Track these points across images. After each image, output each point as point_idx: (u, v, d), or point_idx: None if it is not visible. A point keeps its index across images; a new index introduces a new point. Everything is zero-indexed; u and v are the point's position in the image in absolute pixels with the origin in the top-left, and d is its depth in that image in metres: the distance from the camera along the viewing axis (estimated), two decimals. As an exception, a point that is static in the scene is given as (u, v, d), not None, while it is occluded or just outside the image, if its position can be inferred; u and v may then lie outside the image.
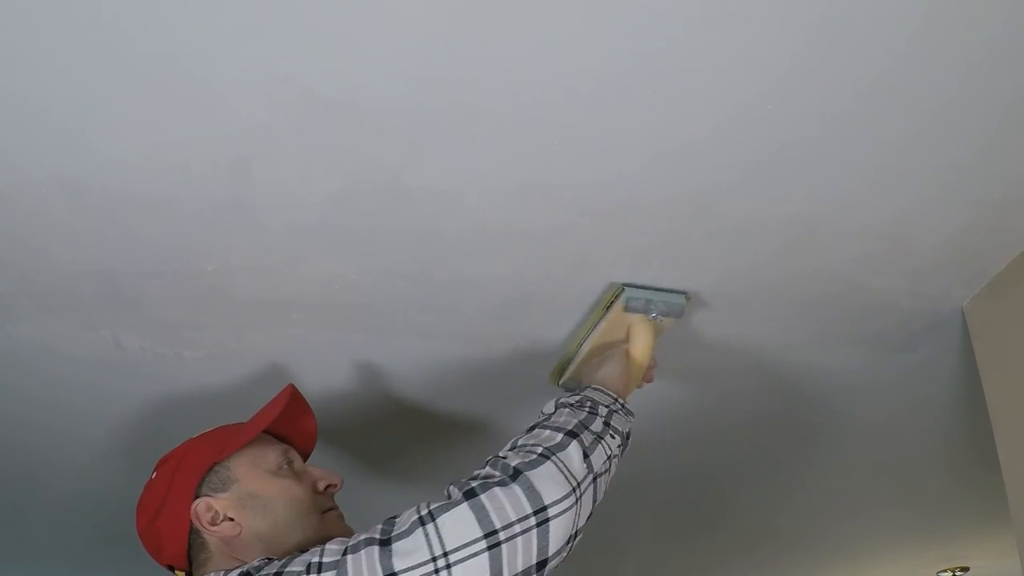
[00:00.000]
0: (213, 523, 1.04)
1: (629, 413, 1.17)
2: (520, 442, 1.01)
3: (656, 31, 0.80)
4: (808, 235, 1.12)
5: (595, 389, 1.17)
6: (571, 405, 1.10)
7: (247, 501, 1.05)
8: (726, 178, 1.01)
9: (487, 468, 0.96)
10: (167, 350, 1.30)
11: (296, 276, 1.14)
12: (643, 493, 1.87)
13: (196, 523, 1.04)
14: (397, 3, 0.76)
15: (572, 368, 1.35)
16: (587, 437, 1.02)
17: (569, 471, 0.95)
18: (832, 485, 2.01)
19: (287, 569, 0.90)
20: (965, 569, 2.73)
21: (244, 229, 1.05)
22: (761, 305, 1.28)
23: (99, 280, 1.13)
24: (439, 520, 0.88)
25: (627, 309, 1.22)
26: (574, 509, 0.93)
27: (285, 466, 1.11)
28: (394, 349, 1.33)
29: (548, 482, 0.92)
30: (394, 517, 0.93)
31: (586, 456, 0.99)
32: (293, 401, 1.17)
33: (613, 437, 1.08)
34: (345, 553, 0.89)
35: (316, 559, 0.90)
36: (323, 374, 1.39)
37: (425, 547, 0.87)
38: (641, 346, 1.25)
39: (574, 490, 0.93)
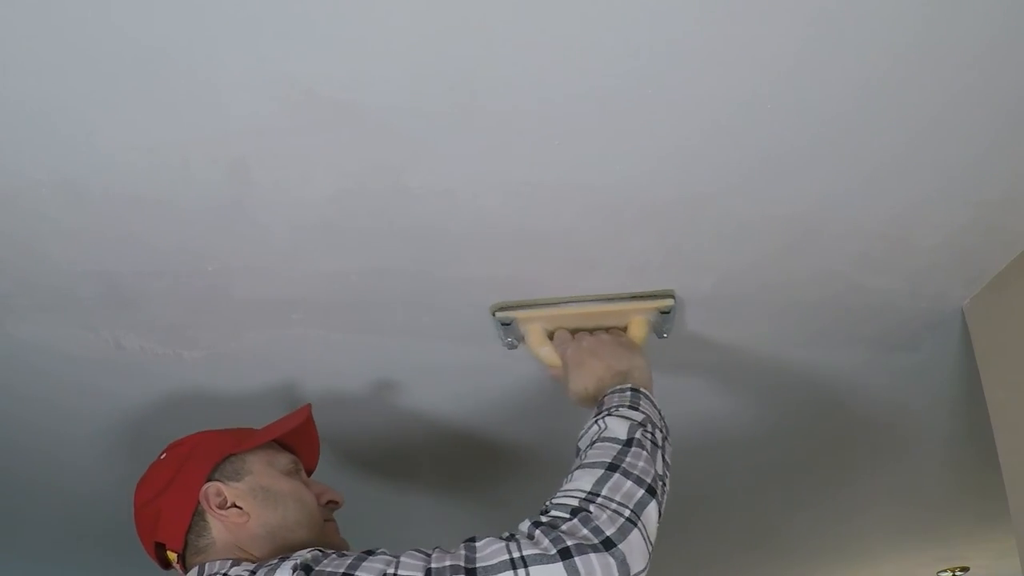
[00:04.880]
0: (221, 507, 1.07)
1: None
2: (604, 491, 0.97)
3: (656, 31, 0.80)
4: (808, 235, 1.12)
5: (646, 397, 1.13)
6: (646, 429, 1.05)
7: (259, 493, 1.10)
8: (726, 178, 1.01)
9: (575, 521, 0.93)
10: (167, 350, 1.30)
11: (296, 276, 1.14)
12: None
13: (204, 504, 1.07)
14: (398, 3, 0.76)
15: (537, 314, 1.23)
16: (662, 488, 1.02)
17: (650, 538, 0.96)
18: (832, 485, 2.01)
19: (356, 573, 0.91)
20: (965, 569, 2.73)
21: (244, 229, 1.05)
22: (761, 305, 1.28)
23: (99, 280, 1.13)
24: (532, 569, 0.89)
25: (652, 321, 1.24)
26: (647, 571, 0.95)
27: (295, 472, 1.17)
28: (394, 349, 1.33)
29: (637, 554, 0.93)
30: (472, 541, 0.93)
31: (660, 515, 0.99)
32: (308, 420, 1.22)
33: (669, 473, 1.06)
34: (428, 574, 0.90)
35: (391, 570, 0.90)
36: (323, 374, 1.39)
37: None
38: (641, 342, 1.25)
39: (651, 554, 0.95)
